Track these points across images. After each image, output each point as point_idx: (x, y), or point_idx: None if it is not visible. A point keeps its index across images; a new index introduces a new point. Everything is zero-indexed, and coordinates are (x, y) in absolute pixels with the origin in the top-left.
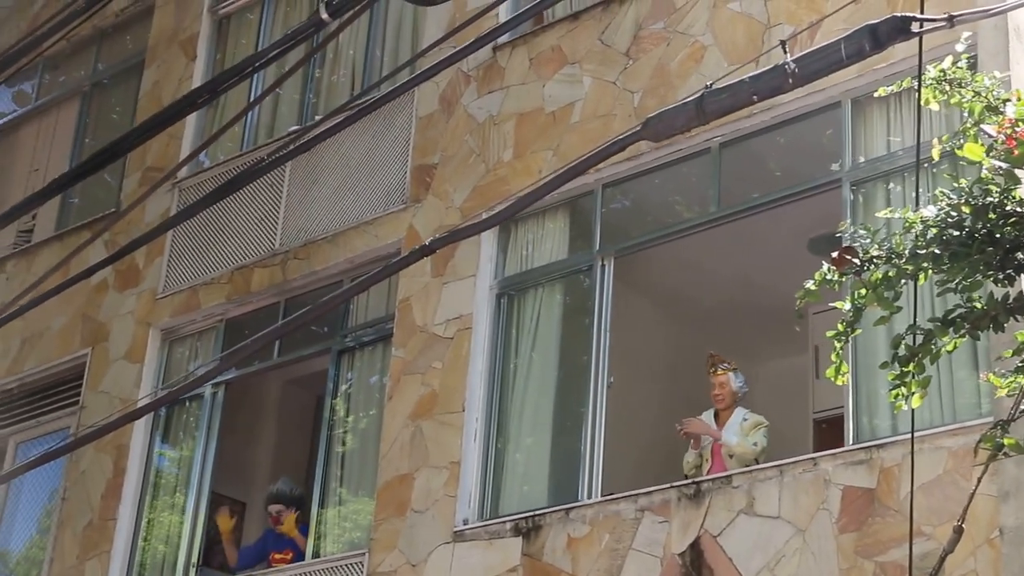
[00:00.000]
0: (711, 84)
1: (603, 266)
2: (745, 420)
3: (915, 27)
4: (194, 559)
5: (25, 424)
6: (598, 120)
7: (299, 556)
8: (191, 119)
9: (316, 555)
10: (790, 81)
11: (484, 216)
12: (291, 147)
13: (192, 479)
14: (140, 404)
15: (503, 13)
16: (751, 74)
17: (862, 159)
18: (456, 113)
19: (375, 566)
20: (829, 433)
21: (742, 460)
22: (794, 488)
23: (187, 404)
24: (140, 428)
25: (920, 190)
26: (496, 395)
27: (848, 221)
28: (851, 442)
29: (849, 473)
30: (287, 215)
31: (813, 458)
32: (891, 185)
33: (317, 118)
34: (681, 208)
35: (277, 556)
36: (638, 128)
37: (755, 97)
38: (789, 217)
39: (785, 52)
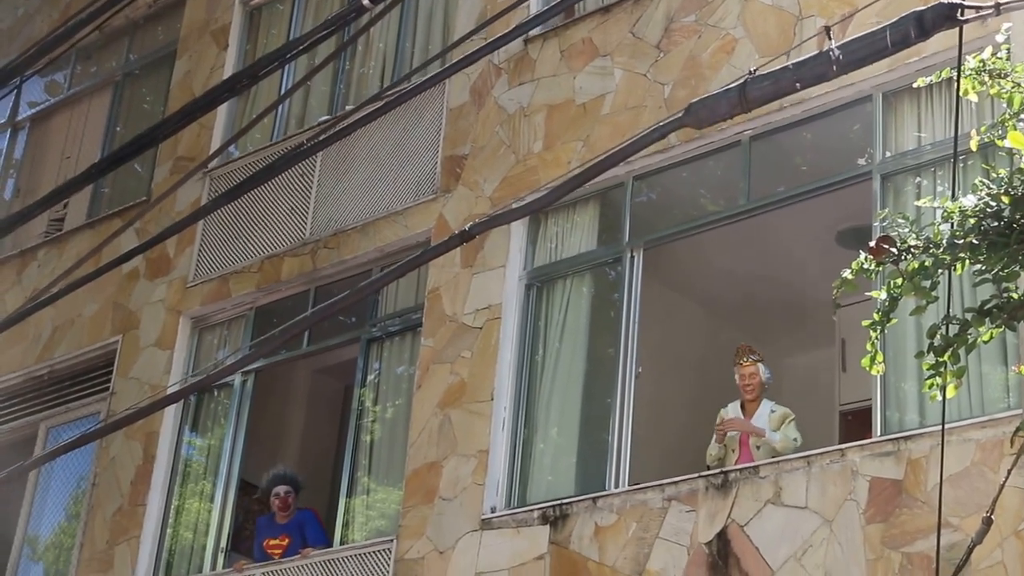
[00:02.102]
0: (754, 71)
1: (632, 258)
2: (773, 412)
3: (961, 15)
4: (223, 544)
5: (56, 410)
6: (629, 112)
7: (295, 543)
8: (223, 109)
9: (343, 543)
10: (834, 68)
11: (515, 206)
12: (326, 135)
13: (221, 466)
14: (170, 391)
15: (534, 5)
16: (794, 61)
17: (892, 152)
18: (487, 104)
19: (402, 553)
20: (855, 425)
21: (777, 454)
22: (821, 479)
23: (216, 393)
24: (170, 415)
25: (951, 186)
26: (524, 384)
27: (887, 210)
28: (878, 434)
29: (876, 464)
30: (317, 204)
31: (841, 449)
32: (920, 179)
33: (348, 108)
34: (711, 201)
35: (272, 542)
36: (680, 115)
37: (798, 84)
38: (817, 211)
39: (829, 39)
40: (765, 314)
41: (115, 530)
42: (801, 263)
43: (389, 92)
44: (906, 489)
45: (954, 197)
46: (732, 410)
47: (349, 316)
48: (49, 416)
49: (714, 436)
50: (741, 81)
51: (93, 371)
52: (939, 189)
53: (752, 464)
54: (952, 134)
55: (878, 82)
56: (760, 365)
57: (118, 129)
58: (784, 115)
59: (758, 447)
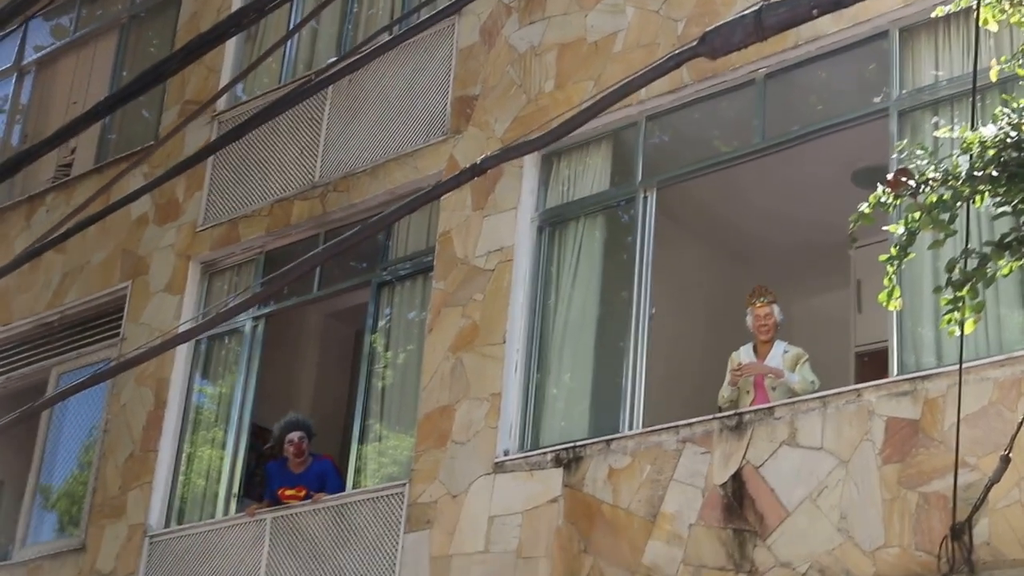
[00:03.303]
0: None
1: (645, 198)
2: (786, 352)
3: None
4: (235, 490)
5: (66, 356)
6: (641, 49)
7: (313, 493)
8: (230, 52)
9: (355, 488)
10: None
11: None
12: (335, 69)
13: (232, 412)
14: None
15: None
16: None
17: (908, 89)
18: (497, 44)
19: (415, 496)
20: (871, 367)
21: (794, 395)
22: (837, 419)
23: (227, 339)
24: (180, 361)
25: (970, 117)
26: (537, 327)
27: (904, 142)
28: (895, 374)
29: (893, 404)
30: (327, 148)
31: (857, 389)
32: (938, 117)
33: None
34: (725, 140)
35: (288, 492)
36: (695, 43)
37: (815, 11)
38: (833, 150)
39: None
40: (780, 255)
41: (127, 476)
42: (817, 203)
43: (398, 26)
44: (923, 429)
45: (973, 127)
46: (744, 352)
47: (359, 260)
48: (60, 362)
49: (727, 379)
50: (756, 8)
51: (103, 317)
52: (958, 125)
53: (767, 405)
54: (969, 68)
55: (894, 17)
56: (775, 306)
57: (124, 73)
58: (799, 52)
59: (774, 388)
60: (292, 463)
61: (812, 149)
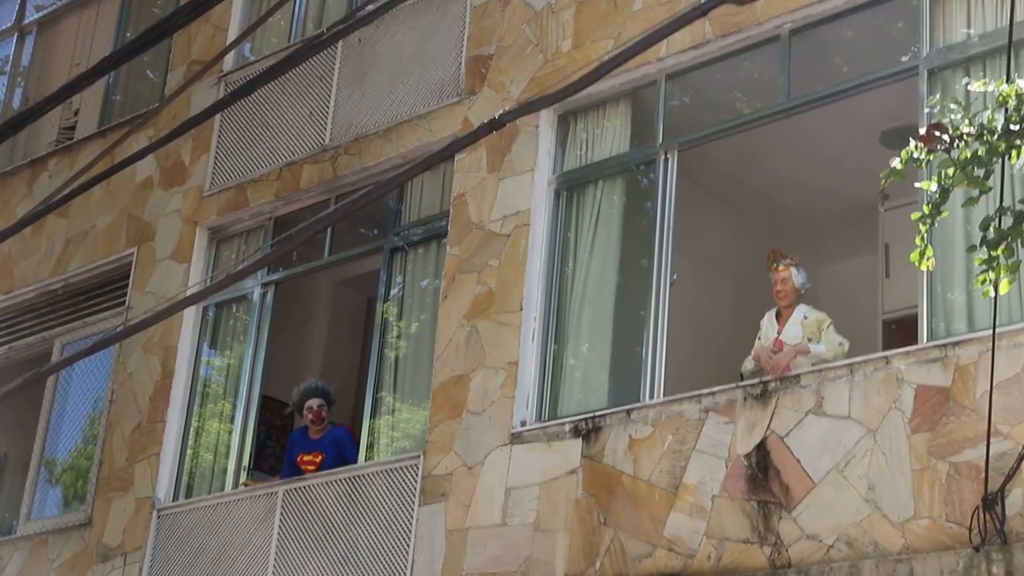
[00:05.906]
0: None
1: (666, 160)
2: (806, 318)
3: None
4: (245, 462)
5: (71, 325)
6: (661, 7)
7: (329, 460)
8: (237, 10)
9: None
10: None
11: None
12: (345, 25)
13: (242, 382)
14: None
15: None
16: None
17: (938, 47)
18: (512, 1)
19: (430, 468)
20: (899, 334)
21: (827, 362)
22: (865, 387)
23: (235, 308)
24: (188, 329)
25: (1006, 69)
26: (555, 293)
27: (937, 96)
28: (924, 340)
29: (923, 372)
30: (337, 109)
31: (885, 356)
32: (969, 77)
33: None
34: (748, 99)
35: (306, 458)
36: None
37: None
38: (861, 110)
39: None
40: (805, 219)
41: (134, 448)
42: (843, 165)
43: None
44: (954, 396)
45: (1009, 80)
46: (767, 319)
47: (371, 226)
48: (64, 332)
49: (752, 353)
50: None
51: (108, 285)
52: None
53: (793, 373)
54: (1003, 23)
55: None
56: (793, 269)
57: (128, 34)
58: (825, 7)
59: (813, 363)
60: (311, 430)
61: (839, 108)
